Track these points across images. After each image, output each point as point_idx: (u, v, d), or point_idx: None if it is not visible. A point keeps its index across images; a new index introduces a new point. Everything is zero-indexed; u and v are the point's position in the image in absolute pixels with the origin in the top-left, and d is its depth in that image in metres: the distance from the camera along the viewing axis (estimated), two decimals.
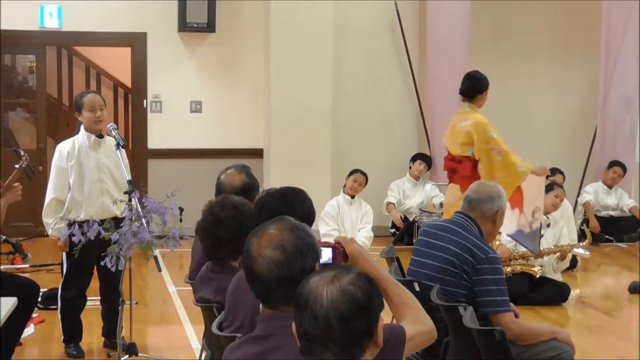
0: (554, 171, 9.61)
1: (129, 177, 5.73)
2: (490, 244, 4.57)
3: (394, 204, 10.47)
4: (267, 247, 2.53)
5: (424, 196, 10.52)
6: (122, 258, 5.22)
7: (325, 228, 8.74)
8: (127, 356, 5.74)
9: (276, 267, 2.50)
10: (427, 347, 4.48)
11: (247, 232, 3.98)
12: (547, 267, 7.73)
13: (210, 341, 4.13)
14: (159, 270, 5.55)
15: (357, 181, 8.94)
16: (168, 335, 6.71)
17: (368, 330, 2.18)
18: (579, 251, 7.91)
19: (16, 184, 5.74)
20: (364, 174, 9.01)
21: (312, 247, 2.56)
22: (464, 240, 4.42)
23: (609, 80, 11.23)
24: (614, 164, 10.98)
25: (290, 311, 2.27)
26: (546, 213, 7.84)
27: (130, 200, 5.39)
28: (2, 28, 10.16)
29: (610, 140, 11.29)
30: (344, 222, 8.80)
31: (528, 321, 5.43)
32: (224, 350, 2.77)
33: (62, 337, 6.15)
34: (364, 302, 2.17)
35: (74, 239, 5.42)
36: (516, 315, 4.46)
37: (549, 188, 8.05)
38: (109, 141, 6.05)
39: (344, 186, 9.00)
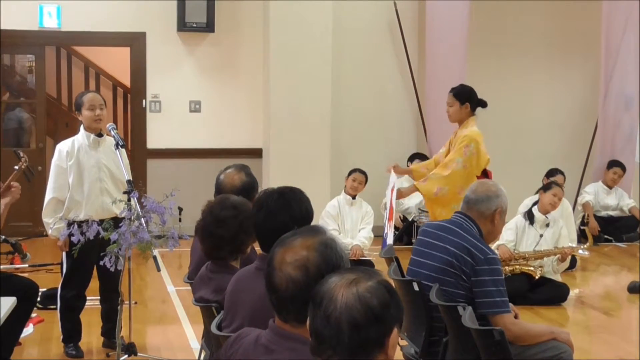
0: (555, 171, 9.65)
1: (129, 177, 5.73)
2: (491, 244, 4.56)
3: None
4: (289, 264, 2.44)
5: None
6: (121, 258, 5.21)
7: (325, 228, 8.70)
8: (126, 356, 5.74)
9: (294, 286, 2.42)
10: (425, 346, 4.51)
11: (248, 232, 4.00)
12: (546, 268, 7.73)
13: (210, 341, 4.13)
14: (158, 270, 5.54)
15: (356, 180, 8.92)
16: (167, 335, 6.70)
17: (379, 340, 2.13)
18: (579, 251, 7.92)
19: (15, 183, 5.74)
20: (363, 173, 8.98)
21: (337, 268, 2.43)
22: (462, 241, 4.40)
23: (608, 80, 11.23)
24: (613, 164, 10.97)
25: (303, 332, 2.23)
26: (545, 212, 7.85)
27: (129, 200, 5.39)
28: (2, 28, 10.15)
29: (610, 140, 11.29)
30: (344, 222, 8.79)
31: (527, 321, 5.43)
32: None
33: (62, 337, 6.15)
34: (378, 311, 2.12)
35: (73, 238, 5.41)
36: (516, 316, 4.45)
37: (547, 187, 8.07)
38: (109, 140, 6.04)
39: (345, 186, 8.98)
